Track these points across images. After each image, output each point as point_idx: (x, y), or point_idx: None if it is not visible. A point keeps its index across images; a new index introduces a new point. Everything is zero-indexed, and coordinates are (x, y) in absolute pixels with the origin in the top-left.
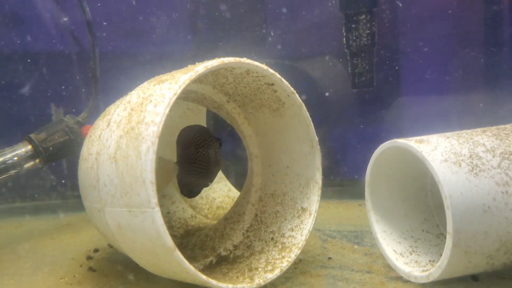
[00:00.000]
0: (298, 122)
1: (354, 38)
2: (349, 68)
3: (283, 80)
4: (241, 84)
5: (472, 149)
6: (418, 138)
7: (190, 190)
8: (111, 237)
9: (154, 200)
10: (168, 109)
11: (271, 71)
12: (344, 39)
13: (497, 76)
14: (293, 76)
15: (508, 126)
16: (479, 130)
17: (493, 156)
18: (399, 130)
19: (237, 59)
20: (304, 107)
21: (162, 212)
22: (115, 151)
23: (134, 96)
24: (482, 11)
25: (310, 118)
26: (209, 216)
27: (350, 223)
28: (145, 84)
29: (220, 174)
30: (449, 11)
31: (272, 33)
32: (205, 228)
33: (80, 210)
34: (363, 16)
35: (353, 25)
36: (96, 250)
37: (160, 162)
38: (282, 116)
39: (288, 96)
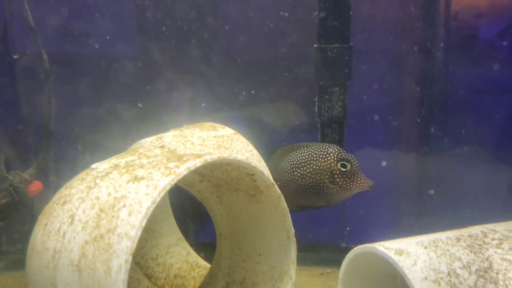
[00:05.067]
0: (275, 211)
1: (326, 108)
2: (319, 138)
3: (264, 172)
4: (218, 170)
5: (449, 264)
6: (397, 247)
7: None
8: None
9: None
10: (145, 221)
11: (253, 164)
12: (316, 108)
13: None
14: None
15: (478, 232)
16: (453, 237)
17: (469, 274)
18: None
19: (221, 156)
20: (283, 198)
21: None
22: (79, 259)
23: (104, 191)
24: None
25: (287, 209)
26: (166, 287)
27: None
28: (115, 174)
29: (178, 235)
30: (418, 86)
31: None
32: None
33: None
34: (337, 89)
35: (326, 96)
36: None
37: None
38: (258, 202)
39: (268, 186)
